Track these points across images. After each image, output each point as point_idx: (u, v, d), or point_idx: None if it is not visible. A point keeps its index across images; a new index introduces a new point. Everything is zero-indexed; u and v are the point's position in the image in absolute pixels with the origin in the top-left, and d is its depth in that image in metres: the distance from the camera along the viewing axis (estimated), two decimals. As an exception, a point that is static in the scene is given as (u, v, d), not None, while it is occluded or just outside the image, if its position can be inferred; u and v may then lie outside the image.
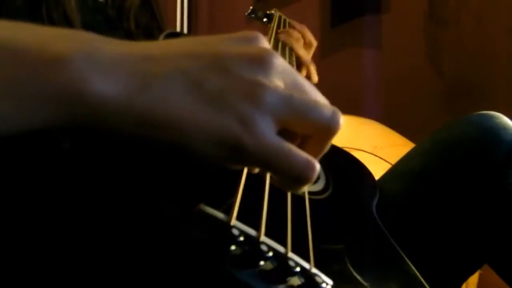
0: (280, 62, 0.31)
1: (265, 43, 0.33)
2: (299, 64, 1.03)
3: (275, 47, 0.97)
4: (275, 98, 0.30)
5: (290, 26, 1.11)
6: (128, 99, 0.28)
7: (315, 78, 1.02)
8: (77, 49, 0.27)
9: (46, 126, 0.28)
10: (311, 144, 0.33)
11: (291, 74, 0.32)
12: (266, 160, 0.30)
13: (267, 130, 0.29)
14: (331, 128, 0.32)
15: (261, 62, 0.30)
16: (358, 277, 0.43)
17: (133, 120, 0.28)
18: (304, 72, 1.02)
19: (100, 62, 0.28)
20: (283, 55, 0.95)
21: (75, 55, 0.27)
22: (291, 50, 1.02)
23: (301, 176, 0.31)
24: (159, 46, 0.30)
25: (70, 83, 0.27)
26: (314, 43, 1.06)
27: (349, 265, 0.44)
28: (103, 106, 0.27)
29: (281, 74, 0.31)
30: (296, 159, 0.30)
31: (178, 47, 0.30)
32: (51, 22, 0.59)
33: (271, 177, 0.42)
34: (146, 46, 0.30)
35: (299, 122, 0.31)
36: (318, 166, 0.31)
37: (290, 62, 0.94)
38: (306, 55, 1.01)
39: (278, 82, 0.31)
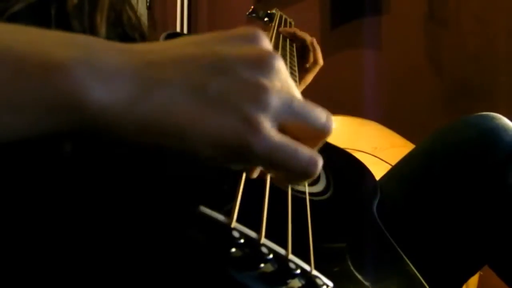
0: (280, 64, 0.31)
1: (266, 42, 0.33)
2: (306, 49, 1.05)
3: (276, 46, 0.98)
4: (278, 101, 0.30)
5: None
6: (129, 106, 0.27)
7: (320, 60, 1.05)
8: (77, 57, 0.27)
9: (45, 134, 0.27)
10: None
11: (287, 79, 0.32)
12: (274, 158, 0.29)
13: (272, 129, 0.29)
14: (324, 132, 0.32)
15: (263, 64, 0.30)
16: (359, 277, 0.43)
17: (134, 128, 0.28)
18: (311, 56, 1.05)
19: (100, 69, 0.27)
20: (283, 54, 0.95)
21: (74, 63, 0.27)
22: (292, 48, 1.03)
23: (306, 171, 0.31)
24: (159, 50, 0.30)
25: (70, 91, 0.26)
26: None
27: (350, 264, 0.44)
28: (104, 115, 0.27)
29: (280, 77, 0.31)
30: (302, 155, 0.30)
31: (178, 50, 0.30)
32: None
33: (271, 176, 0.42)
34: (145, 49, 0.30)
35: (297, 125, 0.31)
36: (321, 161, 0.31)
37: (291, 61, 0.95)
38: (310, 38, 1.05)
39: (279, 85, 0.31)
